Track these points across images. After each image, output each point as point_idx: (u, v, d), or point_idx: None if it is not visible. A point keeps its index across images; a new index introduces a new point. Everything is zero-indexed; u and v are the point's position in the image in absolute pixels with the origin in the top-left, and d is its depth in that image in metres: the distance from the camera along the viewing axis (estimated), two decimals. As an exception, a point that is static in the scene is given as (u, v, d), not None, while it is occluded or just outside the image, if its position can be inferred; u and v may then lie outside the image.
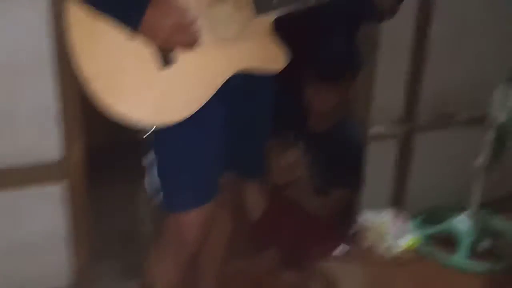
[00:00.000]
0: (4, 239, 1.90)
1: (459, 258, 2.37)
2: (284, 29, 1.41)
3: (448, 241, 2.49)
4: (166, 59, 1.31)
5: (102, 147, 2.88)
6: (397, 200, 2.61)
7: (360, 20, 1.96)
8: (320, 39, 2.04)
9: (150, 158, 1.47)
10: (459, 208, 2.54)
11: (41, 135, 1.88)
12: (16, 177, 1.87)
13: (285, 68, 1.42)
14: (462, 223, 2.48)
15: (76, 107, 1.87)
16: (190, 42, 1.29)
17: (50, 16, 1.74)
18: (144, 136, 1.44)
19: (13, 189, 1.87)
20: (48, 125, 1.87)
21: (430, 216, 2.64)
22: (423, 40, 2.40)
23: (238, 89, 1.40)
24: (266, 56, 1.39)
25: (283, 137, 2.16)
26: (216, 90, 1.35)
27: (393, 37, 2.33)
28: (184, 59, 1.31)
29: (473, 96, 2.59)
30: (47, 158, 1.90)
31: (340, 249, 2.16)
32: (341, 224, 2.32)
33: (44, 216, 1.94)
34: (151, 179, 1.47)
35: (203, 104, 1.35)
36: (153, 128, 1.41)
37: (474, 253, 2.39)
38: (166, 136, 1.41)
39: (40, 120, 1.86)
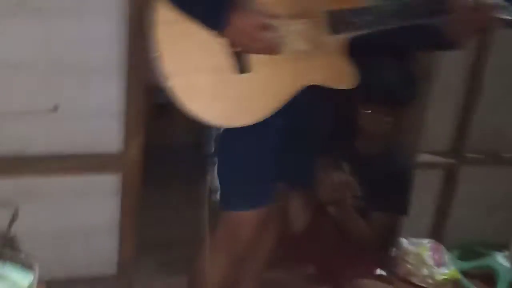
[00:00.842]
0: (59, 222, 1.99)
1: (498, 294, 2.37)
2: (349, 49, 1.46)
3: (486, 278, 2.49)
4: (242, 65, 1.37)
5: (160, 146, 2.98)
6: (437, 231, 2.61)
7: (425, 48, 2.00)
8: (378, 63, 2.09)
9: (212, 158, 1.53)
10: (498, 245, 2.54)
11: (104, 128, 1.97)
12: (77, 164, 1.96)
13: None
14: (502, 261, 2.47)
15: (138, 107, 1.97)
16: (271, 47, 1.34)
17: (123, 22, 1.86)
18: (213, 137, 1.51)
19: (73, 175, 1.96)
20: (111, 120, 1.97)
21: (469, 251, 2.64)
22: (479, 75, 2.42)
23: (299, 103, 1.46)
24: (337, 74, 1.44)
25: (333, 156, 2.20)
26: (286, 101, 1.41)
27: (450, 70, 2.38)
28: (258, 68, 1.38)
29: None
30: (107, 150, 1.99)
31: (377, 272, 2.18)
32: (381, 248, 2.34)
33: (99, 204, 2.03)
34: (211, 178, 1.53)
35: (271, 113, 1.41)
36: (220, 130, 1.47)
37: (512, 292, 2.39)
38: (230, 138, 1.48)
39: (104, 115, 1.96)
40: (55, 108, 1.87)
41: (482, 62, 2.40)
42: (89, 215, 2.02)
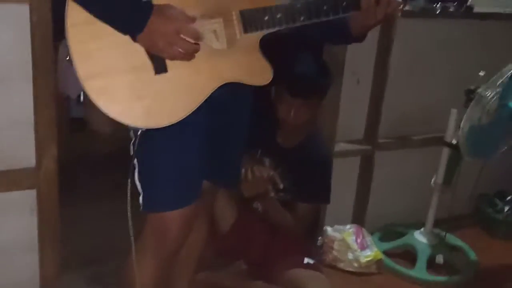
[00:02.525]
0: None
1: (418, 271, 2.49)
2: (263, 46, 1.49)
3: (407, 256, 2.61)
4: (159, 65, 1.36)
5: (77, 159, 2.92)
6: (358, 216, 2.71)
7: (334, 42, 2.07)
8: (293, 57, 2.14)
9: (132, 161, 1.50)
10: (417, 224, 2.67)
11: (15, 141, 1.87)
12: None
13: None
14: (419, 238, 2.61)
15: (49, 116, 1.89)
16: (187, 53, 1.34)
17: (26, 28, 1.78)
18: (132, 142, 1.48)
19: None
20: (22, 132, 1.87)
21: (389, 232, 2.77)
22: (384, 66, 2.54)
23: (219, 100, 1.46)
24: (253, 70, 1.46)
25: (253, 150, 2.22)
26: (205, 99, 1.41)
27: (357, 62, 2.48)
28: (176, 67, 1.37)
29: (428, 119, 2.75)
30: (20, 165, 1.89)
31: (305, 261, 2.23)
32: (307, 238, 2.40)
33: (15, 222, 1.92)
34: (133, 182, 1.50)
35: (191, 111, 1.40)
36: (139, 132, 1.44)
37: (431, 267, 2.52)
38: (148, 139, 1.45)
39: (14, 127, 1.86)
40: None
41: (387, 53, 2.52)
42: (5, 234, 1.92)
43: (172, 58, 1.35)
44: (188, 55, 1.35)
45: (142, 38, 1.32)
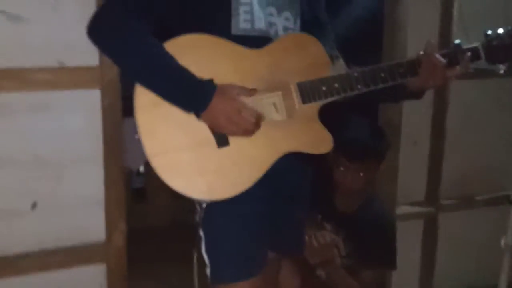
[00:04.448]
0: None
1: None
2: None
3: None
4: (221, 140, 1.42)
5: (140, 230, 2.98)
6: (426, 281, 2.62)
7: (390, 101, 2.09)
8: (349, 122, 2.17)
9: (198, 233, 1.54)
10: (489, 288, 2.55)
11: (86, 219, 1.96)
12: (60, 258, 1.93)
13: None
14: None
15: (118, 194, 1.98)
16: (248, 130, 1.40)
17: (97, 113, 1.90)
18: (196, 213, 1.52)
19: (56, 269, 1.92)
20: (92, 210, 1.96)
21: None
22: (441, 126, 2.54)
23: (279, 171, 1.49)
24: (313, 140, 1.50)
25: (315, 217, 2.22)
26: (266, 170, 1.45)
27: (413, 123, 2.49)
28: (237, 140, 1.43)
29: (490, 178, 2.69)
30: (90, 241, 1.97)
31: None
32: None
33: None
34: (200, 253, 1.53)
35: (253, 183, 1.44)
36: (204, 205, 1.49)
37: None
38: (215, 212, 1.49)
39: (85, 206, 1.95)
40: (34, 206, 1.87)
41: (444, 111, 2.52)
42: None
43: (233, 134, 1.41)
44: (249, 132, 1.41)
45: (205, 116, 1.39)
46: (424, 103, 2.43)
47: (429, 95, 2.40)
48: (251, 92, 1.42)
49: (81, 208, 1.94)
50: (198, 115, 1.39)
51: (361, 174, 2.14)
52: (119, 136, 1.93)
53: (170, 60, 1.38)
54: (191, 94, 1.38)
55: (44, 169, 1.87)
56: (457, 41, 1.56)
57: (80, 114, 1.89)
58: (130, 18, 1.39)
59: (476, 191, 2.71)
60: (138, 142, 1.40)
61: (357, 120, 2.17)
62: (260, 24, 1.48)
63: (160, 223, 3.24)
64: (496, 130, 2.67)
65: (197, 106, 1.38)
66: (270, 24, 1.50)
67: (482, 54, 1.54)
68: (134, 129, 1.41)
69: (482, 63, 1.58)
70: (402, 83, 1.54)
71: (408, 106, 2.39)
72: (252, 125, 1.40)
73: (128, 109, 1.46)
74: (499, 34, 1.55)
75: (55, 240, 1.91)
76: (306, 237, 2.09)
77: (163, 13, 1.45)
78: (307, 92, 1.47)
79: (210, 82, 1.39)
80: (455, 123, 2.55)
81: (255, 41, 1.46)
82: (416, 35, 2.35)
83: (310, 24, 1.57)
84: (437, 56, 1.51)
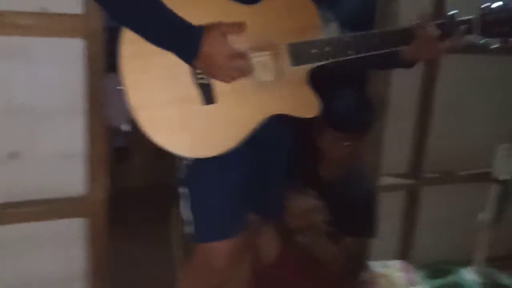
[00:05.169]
0: (22, 271, 1.92)
1: (467, 310, 2.41)
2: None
3: (455, 294, 2.53)
4: (207, 96, 1.40)
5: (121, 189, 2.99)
6: (404, 252, 2.66)
7: (381, 68, 2.07)
8: (336, 90, 2.15)
9: (182, 190, 1.53)
10: (466, 262, 2.59)
11: (67, 172, 1.94)
12: (40, 209, 1.91)
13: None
14: (469, 276, 2.52)
15: (102, 148, 1.96)
16: (245, 70, 1.37)
17: (81, 64, 1.85)
18: (179, 171, 1.51)
19: (35, 221, 1.91)
20: (74, 163, 1.94)
21: (436, 269, 2.69)
22: (429, 100, 2.53)
23: (262, 133, 1.48)
24: (300, 103, 1.48)
25: (297, 183, 2.22)
26: (251, 131, 1.44)
27: (401, 97, 2.48)
28: (223, 99, 1.41)
29: (473, 155, 2.71)
30: (71, 194, 1.95)
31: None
32: (352, 272, 2.36)
33: (64, 252, 1.97)
34: (183, 211, 1.53)
35: (238, 143, 1.43)
36: (189, 162, 1.48)
37: (481, 306, 2.44)
38: (201, 170, 1.48)
39: (67, 159, 1.93)
40: (11, 156, 1.84)
41: (431, 87, 2.51)
42: (54, 263, 1.96)
43: (227, 80, 1.37)
44: (244, 74, 1.37)
45: (198, 62, 1.34)
46: (413, 77, 2.41)
47: (418, 69, 2.39)
48: (240, 27, 1.37)
49: (60, 161, 1.92)
50: (191, 59, 1.35)
51: (346, 144, 2.13)
52: (102, 87, 1.89)
53: (161, 4, 1.33)
54: (182, 36, 1.34)
55: (19, 118, 1.83)
56: (452, 12, 1.54)
57: (60, 64, 1.84)
58: None
59: (459, 166, 2.72)
60: (121, 96, 1.37)
61: (345, 89, 2.15)
62: None
63: (142, 183, 3.23)
64: (482, 107, 2.67)
65: (189, 50, 1.34)
66: None
67: (478, 26, 1.52)
68: (117, 84, 1.37)
69: (474, 37, 1.56)
70: (395, 51, 1.53)
71: (396, 79, 2.38)
72: (248, 69, 1.37)
73: (109, 65, 1.42)
74: (495, 8, 1.53)
75: (35, 193, 1.90)
76: (289, 202, 2.10)
77: None
78: (297, 54, 1.44)
79: (199, 26, 1.34)
80: (443, 98, 2.55)
81: None
82: (408, 4, 2.32)
83: None
84: (432, 26, 1.49)
